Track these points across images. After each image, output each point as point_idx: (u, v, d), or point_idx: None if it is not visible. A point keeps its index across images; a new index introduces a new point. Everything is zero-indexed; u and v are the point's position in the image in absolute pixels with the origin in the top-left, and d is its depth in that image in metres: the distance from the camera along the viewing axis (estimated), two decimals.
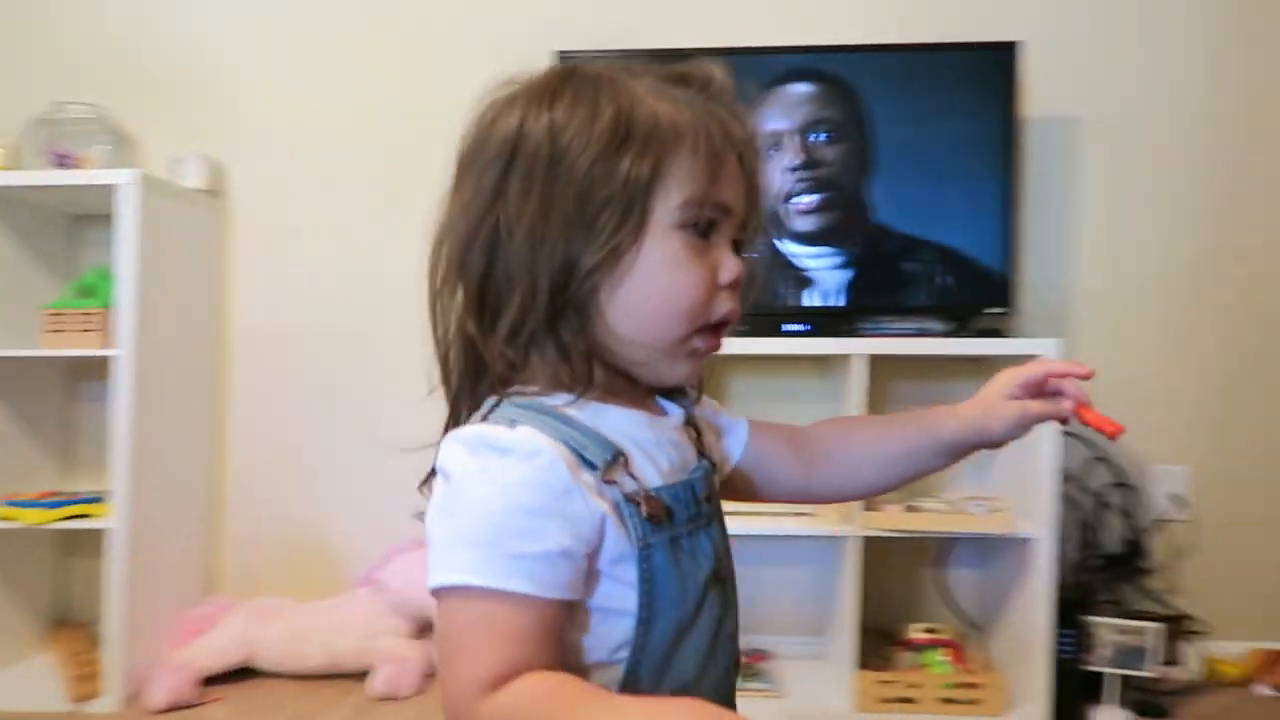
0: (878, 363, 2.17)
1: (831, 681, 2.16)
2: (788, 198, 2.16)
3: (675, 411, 0.73)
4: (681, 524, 0.66)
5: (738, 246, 0.68)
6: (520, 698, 0.57)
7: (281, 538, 2.49)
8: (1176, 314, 2.39)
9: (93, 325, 2.19)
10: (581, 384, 0.65)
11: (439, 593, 0.60)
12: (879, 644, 2.24)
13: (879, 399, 2.33)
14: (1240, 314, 2.38)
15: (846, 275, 2.18)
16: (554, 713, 0.56)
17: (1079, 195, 2.39)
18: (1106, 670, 2.06)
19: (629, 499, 0.63)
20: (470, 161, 0.67)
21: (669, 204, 0.63)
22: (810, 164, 2.16)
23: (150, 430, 2.17)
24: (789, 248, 2.18)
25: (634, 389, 0.70)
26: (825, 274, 2.17)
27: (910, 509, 2.13)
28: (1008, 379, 0.77)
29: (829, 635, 2.30)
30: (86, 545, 2.42)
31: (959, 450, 0.79)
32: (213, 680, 2.16)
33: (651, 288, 0.63)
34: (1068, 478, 2.34)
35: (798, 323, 2.15)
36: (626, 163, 0.62)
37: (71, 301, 2.25)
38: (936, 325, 2.16)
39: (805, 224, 2.17)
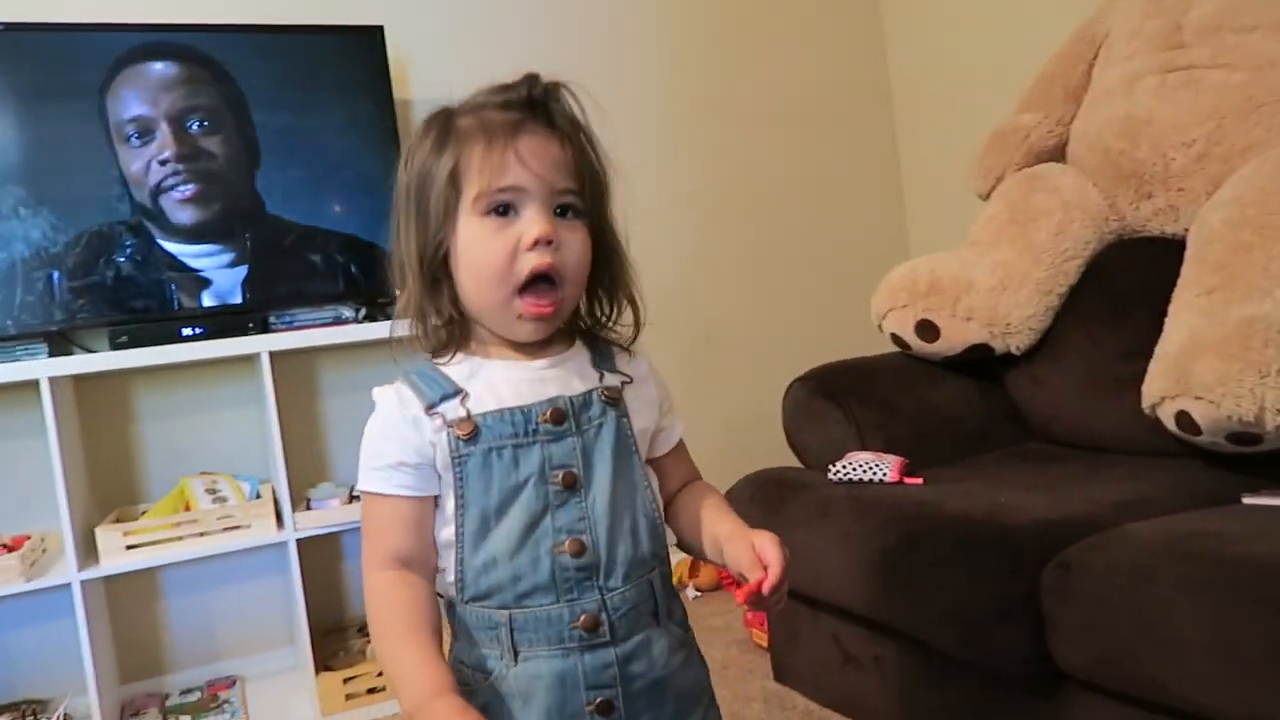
0: (294, 357, 2.10)
1: (298, 690, 2.08)
2: (162, 191, 1.98)
3: (572, 360, 0.91)
4: (500, 438, 0.84)
5: (566, 210, 0.85)
6: (379, 589, 0.85)
7: None
8: None
9: None
10: (450, 346, 0.88)
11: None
12: (353, 639, 2.19)
13: (311, 391, 2.27)
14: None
15: (242, 271, 2.05)
16: (379, 621, 0.84)
17: None
18: None
19: (449, 424, 0.84)
20: None
21: (468, 197, 0.83)
22: (188, 154, 2.00)
23: None
24: (173, 246, 2.00)
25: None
26: (219, 272, 2.03)
27: (353, 499, 2.10)
28: (759, 535, 0.89)
29: (296, 643, 2.21)
30: None
31: (716, 545, 0.93)
32: None
33: (469, 261, 0.83)
34: None
35: (194, 326, 1.99)
36: (440, 166, 0.83)
37: None
38: (348, 313, 2.14)
39: (188, 219, 2.01)
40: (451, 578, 0.87)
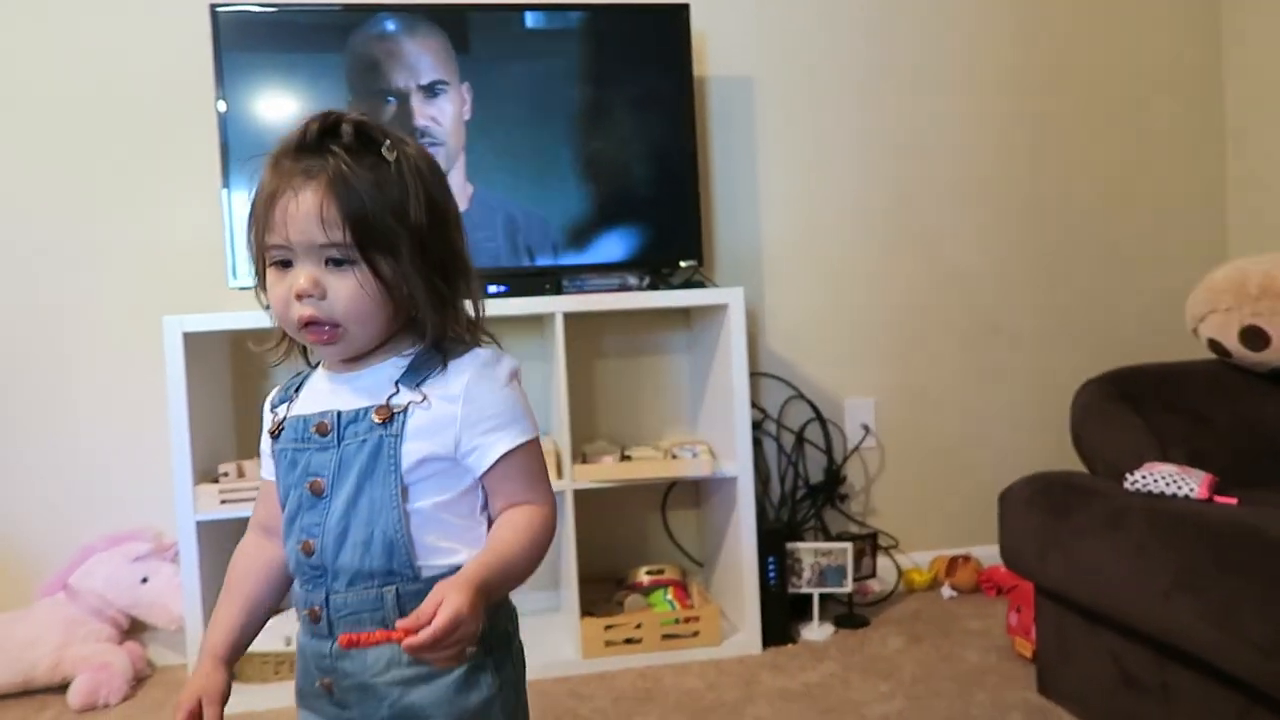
0: (581, 319, 2.22)
1: (562, 632, 2.23)
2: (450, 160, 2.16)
3: (373, 375, 0.93)
4: (288, 441, 0.94)
5: (337, 261, 0.86)
6: (238, 549, 1.02)
7: None
8: (855, 259, 2.59)
9: None
10: (279, 349, 0.97)
11: None
12: (611, 590, 2.31)
13: (590, 353, 2.40)
14: (911, 257, 2.61)
15: (545, 236, 2.21)
16: (227, 575, 1.00)
17: (758, 151, 2.54)
18: (810, 591, 2.24)
19: (274, 423, 0.97)
20: None
21: (264, 253, 0.90)
22: (494, 123, 2.17)
23: None
24: (483, 211, 2.18)
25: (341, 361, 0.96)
26: (523, 235, 2.19)
27: (623, 458, 2.21)
28: (446, 586, 0.82)
29: (562, 588, 2.36)
30: None
31: None
32: None
33: (270, 300, 0.91)
34: (768, 417, 2.51)
35: (498, 283, 2.17)
36: (251, 232, 0.91)
37: None
38: (633, 280, 2.24)
39: (499, 186, 2.18)
40: None
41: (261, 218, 0.88)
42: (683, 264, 2.28)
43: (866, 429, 2.58)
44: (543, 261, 2.21)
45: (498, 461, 0.90)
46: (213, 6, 2.08)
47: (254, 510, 1.03)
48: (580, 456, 2.19)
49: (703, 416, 2.40)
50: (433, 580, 0.86)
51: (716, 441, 2.27)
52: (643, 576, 2.31)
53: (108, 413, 2.25)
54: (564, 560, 2.18)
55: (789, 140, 2.54)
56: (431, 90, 2.18)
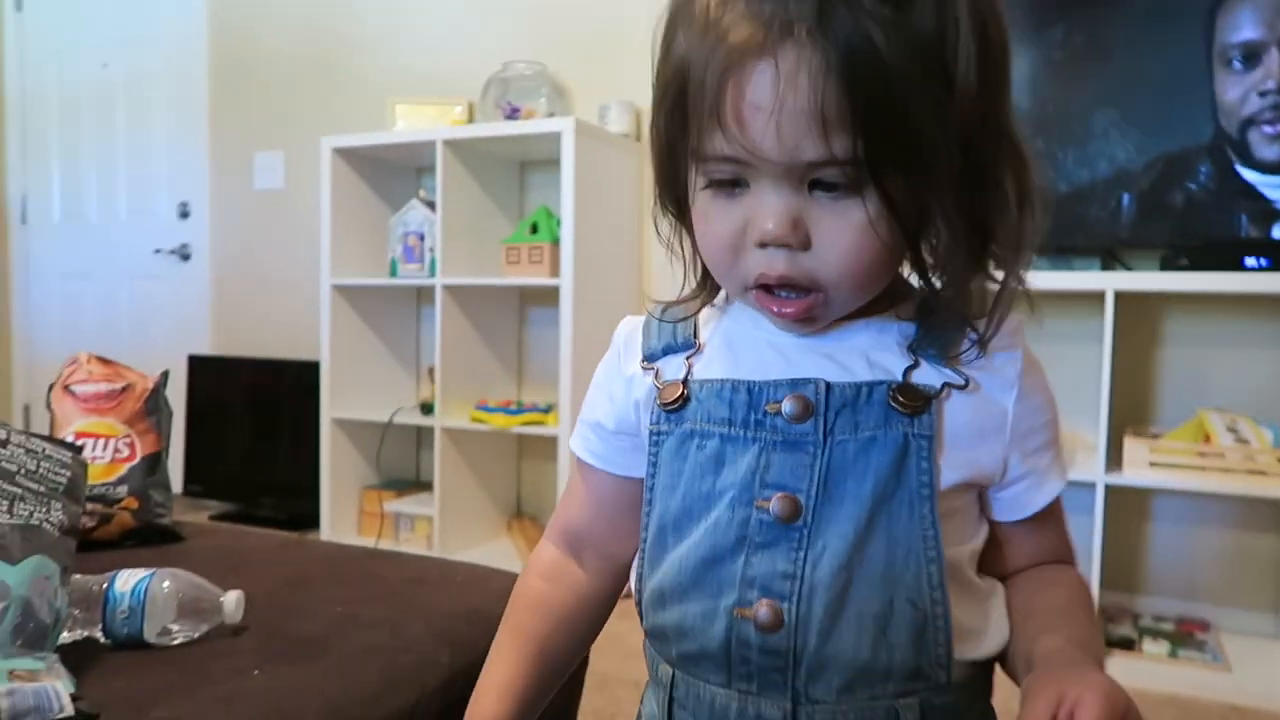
0: None
1: None
2: (1251, 122, 1.89)
3: (857, 336, 0.57)
4: (709, 422, 0.57)
5: (830, 185, 0.50)
6: (528, 566, 0.70)
7: None
8: None
9: (540, 258, 2.49)
10: (704, 294, 0.63)
11: None
12: None
13: None
14: None
15: None
16: (509, 604, 0.69)
17: None
18: None
19: (660, 385, 0.60)
20: None
21: (691, 143, 0.53)
22: None
23: (588, 349, 2.43)
24: (1252, 175, 1.91)
25: None
26: None
27: None
28: (1080, 685, 0.48)
29: None
30: (536, 449, 2.80)
31: (1027, 666, 0.55)
32: None
33: (696, 230, 0.57)
34: None
35: (1258, 256, 1.90)
36: (663, 119, 0.55)
37: (523, 237, 2.56)
38: None
39: (1275, 155, 1.89)
40: (635, 594, 0.62)
41: (700, 102, 0.50)
42: None
43: None
44: None
45: (1051, 506, 0.59)
46: None
47: (560, 511, 0.70)
48: None
49: None
50: (961, 687, 0.55)
51: None
52: None
53: None
54: None
55: None
56: None
